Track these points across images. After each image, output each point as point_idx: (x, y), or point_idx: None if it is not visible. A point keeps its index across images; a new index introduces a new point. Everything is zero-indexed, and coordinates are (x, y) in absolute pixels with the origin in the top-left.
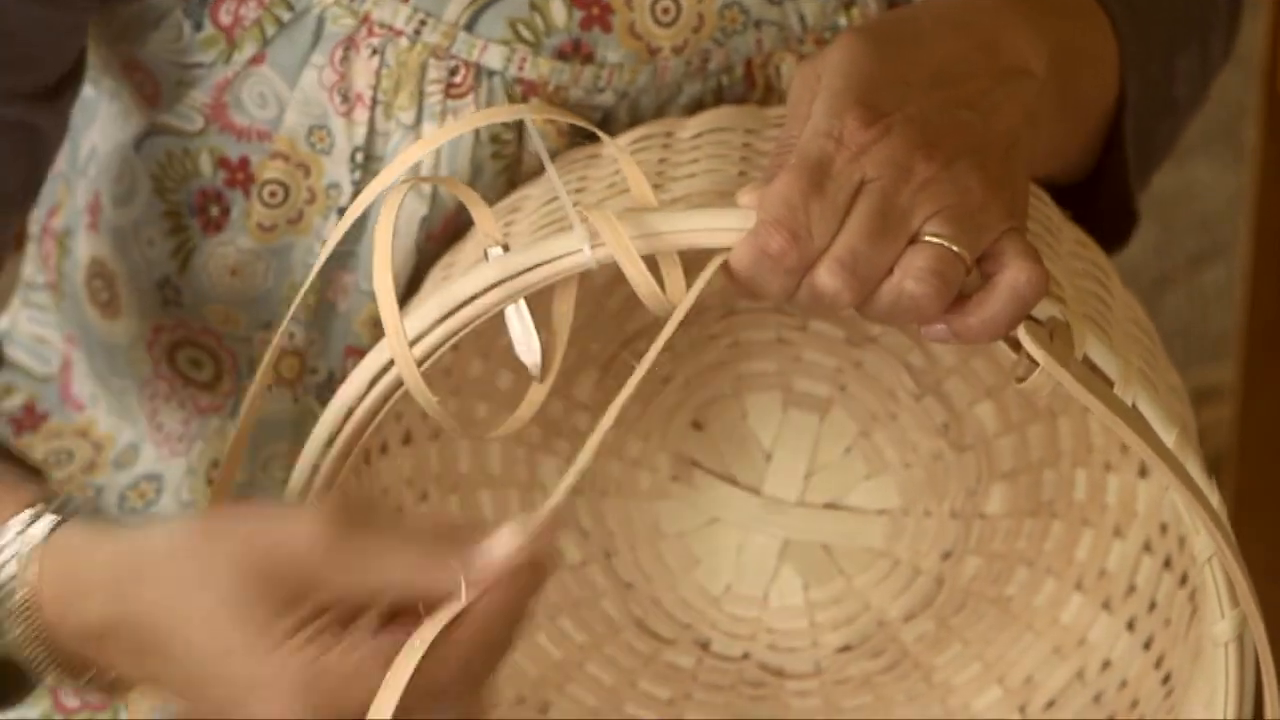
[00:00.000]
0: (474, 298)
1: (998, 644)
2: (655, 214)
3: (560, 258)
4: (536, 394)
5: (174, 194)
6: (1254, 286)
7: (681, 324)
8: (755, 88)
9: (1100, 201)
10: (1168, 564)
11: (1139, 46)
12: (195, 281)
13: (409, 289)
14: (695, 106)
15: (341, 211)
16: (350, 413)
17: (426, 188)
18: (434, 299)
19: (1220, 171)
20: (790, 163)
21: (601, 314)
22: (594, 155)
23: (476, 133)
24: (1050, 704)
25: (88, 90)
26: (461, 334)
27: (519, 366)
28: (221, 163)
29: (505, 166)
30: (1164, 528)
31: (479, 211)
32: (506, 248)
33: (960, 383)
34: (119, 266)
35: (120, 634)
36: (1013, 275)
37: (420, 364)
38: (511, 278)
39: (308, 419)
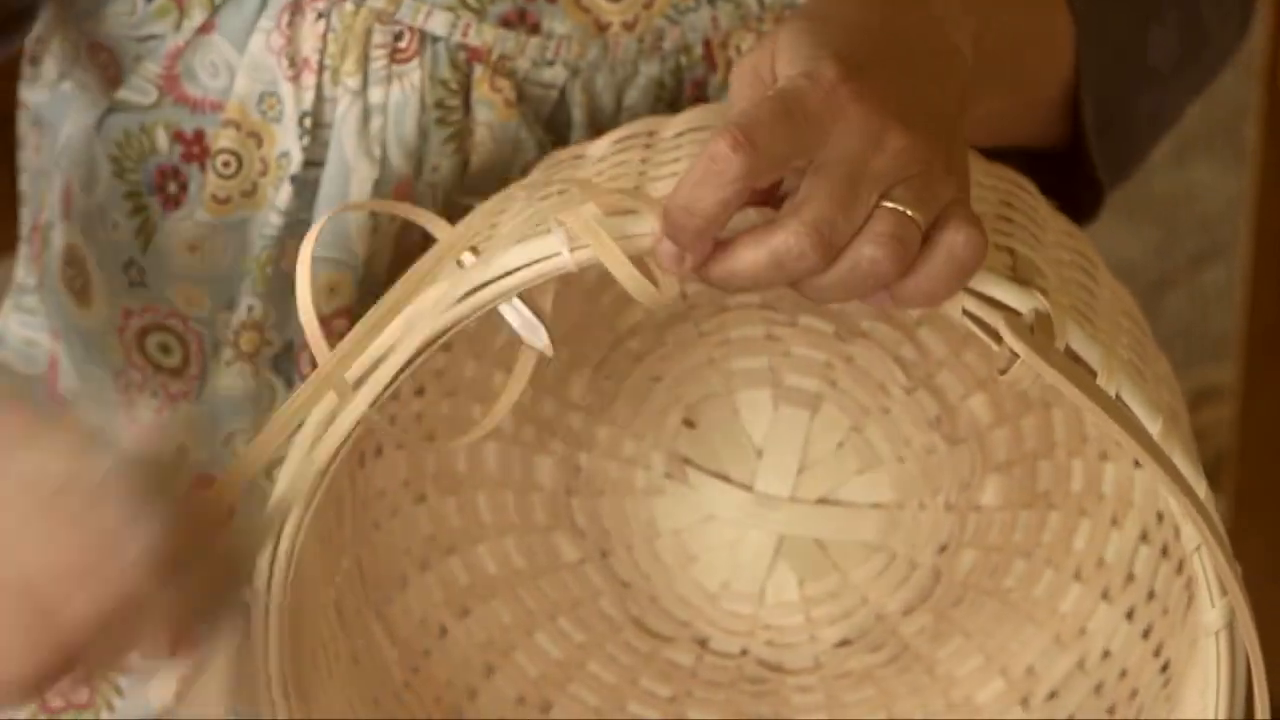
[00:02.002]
0: (454, 304)
1: (998, 635)
2: (632, 218)
3: (537, 262)
4: (505, 398)
5: (133, 174)
6: (1254, 287)
7: (671, 322)
8: (717, 69)
9: (1070, 171)
10: (1165, 552)
11: (1095, 16)
12: (157, 261)
13: (368, 263)
14: (656, 89)
15: (293, 180)
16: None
17: (377, 151)
18: (408, 309)
19: (1221, 172)
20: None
21: (593, 313)
22: (578, 156)
23: (422, 99)
24: (1052, 695)
25: (66, 84)
26: (440, 341)
27: (513, 367)
28: (177, 137)
29: (453, 134)
30: (1160, 516)
31: (435, 227)
32: (476, 252)
33: (951, 375)
34: (89, 251)
35: None
36: (950, 236)
37: (403, 369)
38: (488, 283)
39: (266, 392)
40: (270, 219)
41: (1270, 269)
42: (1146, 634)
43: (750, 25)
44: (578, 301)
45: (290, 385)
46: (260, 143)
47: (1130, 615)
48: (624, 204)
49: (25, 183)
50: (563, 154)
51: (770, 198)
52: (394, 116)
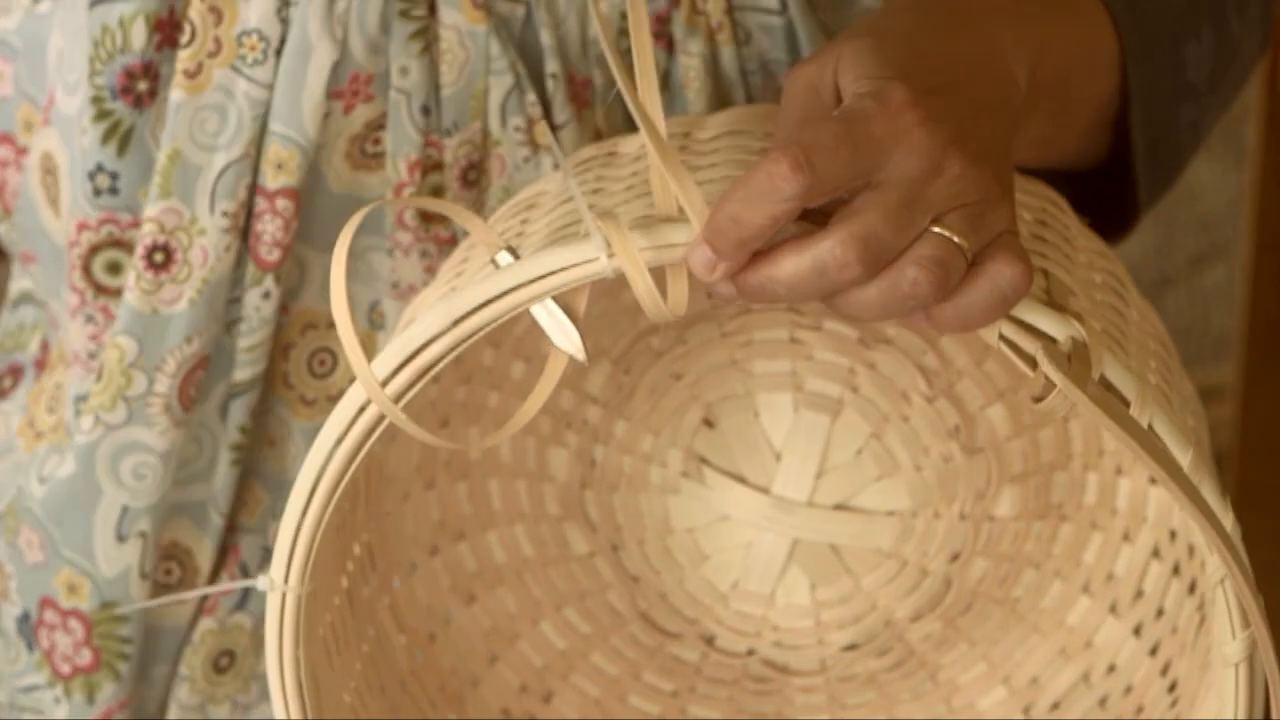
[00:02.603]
0: (486, 304)
1: (1004, 644)
2: (671, 226)
3: (574, 266)
4: (533, 400)
5: (99, 77)
6: (1254, 287)
7: (694, 321)
8: (680, 6)
9: (1106, 189)
10: (1176, 571)
11: (1139, 38)
12: (136, 161)
13: (318, 147)
14: (619, 21)
15: (278, 53)
16: (363, 410)
17: (339, 33)
18: (442, 306)
19: (1221, 172)
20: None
21: (615, 308)
22: (611, 154)
23: None
24: (1055, 705)
25: (43, 5)
26: (471, 340)
27: (531, 356)
28: (157, 25)
29: (418, 31)
30: (1173, 534)
31: (474, 225)
32: (515, 254)
33: (972, 385)
34: (62, 157)
35: None
36: (996, 269)
37: (428, 370)
38: (524, 285)
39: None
40: (253, 94)
41: (1270, 269)
42: (1154, 651)
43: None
44: (599, 295)
45: (250, 252)
46: (220, 19)
47: (1138, 631)
48: (671, 207)
49: None
50: (594, 149)
51: (815, 211)
52: (358, 7)
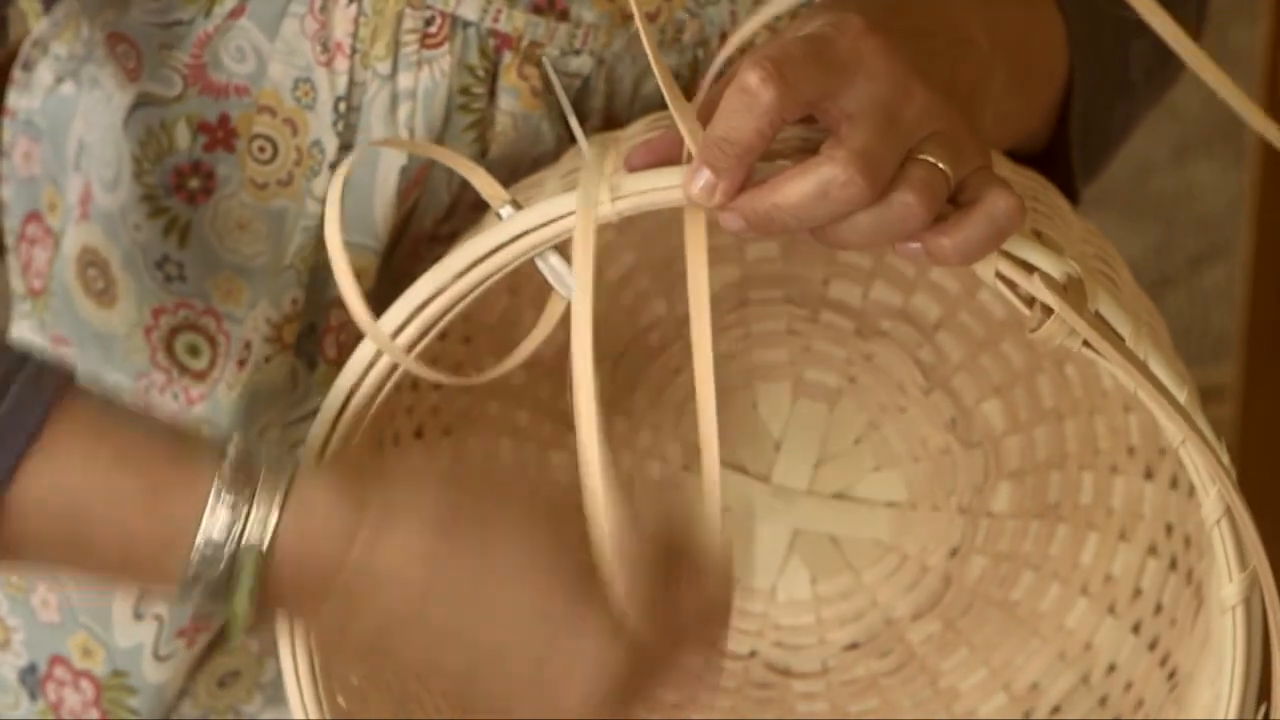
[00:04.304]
0: (493, 252)
1: (1004, 649)
2: (668, 170)
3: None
4: (530, 341)
5: (149, 175)
6: (1254, 287)
7: None
8: (733, 63)
9: (1047, 175)
10: (1173, 565)
11: (1086, 26)
12: (201, 251)
13: (392, 242)
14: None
15: (333, 167)
16: (352, 393)
17: (404, 137)
18: (449, 259)
19: (1221, 172)
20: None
21: (614, 307)
22: (615, 138)
23: (449, 85)
24: (1056, 709)
25: (66, 87)
26: (481, 289)
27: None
28: (201, 128)
29: (474, 122)
30: (1169, 529)
31: (476, 177)
32: (518, 205)
33: (968, 379)
34: (112, 253)
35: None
36: (991, 203)
37: (439, 320)
38: (528, 232)
39: (292, 377)
40: (308, 208)
41: (1270, 269)
42: (1153, 646)
43: (767, 22)
44: (600, 295)
45: (312, 366)
46: (295, 130)
47: (1137, 629)
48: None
49: (7, 191)
50: (603, 137)
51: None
52: (423, 103)
